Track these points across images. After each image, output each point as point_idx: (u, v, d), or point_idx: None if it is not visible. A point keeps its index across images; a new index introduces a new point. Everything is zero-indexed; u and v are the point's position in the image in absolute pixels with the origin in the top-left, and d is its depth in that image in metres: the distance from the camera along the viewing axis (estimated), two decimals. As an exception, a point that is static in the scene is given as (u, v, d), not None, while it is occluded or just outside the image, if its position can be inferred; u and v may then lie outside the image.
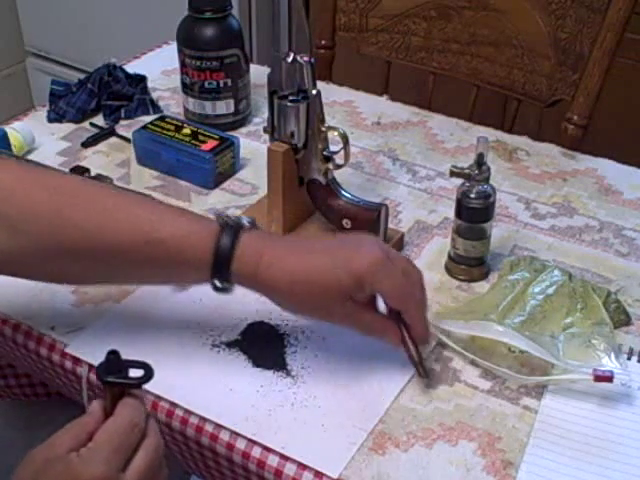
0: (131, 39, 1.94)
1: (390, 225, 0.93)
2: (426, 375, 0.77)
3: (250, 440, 0.73)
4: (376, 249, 0.73)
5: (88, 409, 0.62)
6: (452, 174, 0.87)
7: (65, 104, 1.18)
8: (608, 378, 0.74)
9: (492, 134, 1.15)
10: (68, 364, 0.81)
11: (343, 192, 0.92)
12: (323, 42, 1.41)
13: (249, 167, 1.09)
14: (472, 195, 0.87)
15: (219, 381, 0.78)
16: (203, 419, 0.75)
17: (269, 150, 0.90)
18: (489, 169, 0.87)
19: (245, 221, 0.75)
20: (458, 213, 0.89)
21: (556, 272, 0.86)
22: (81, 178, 0.89)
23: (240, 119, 1.17)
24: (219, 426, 0.74)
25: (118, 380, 0.61)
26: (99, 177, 0.92)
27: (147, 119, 1.13)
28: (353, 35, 1.40)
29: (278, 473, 0.71)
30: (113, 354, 0.61)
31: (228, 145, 1.05)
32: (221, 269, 0.73)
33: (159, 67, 1.32)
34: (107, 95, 1.19)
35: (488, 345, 0.79)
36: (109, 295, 0.88)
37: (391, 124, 1.19)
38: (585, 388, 0.76)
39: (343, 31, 1.41)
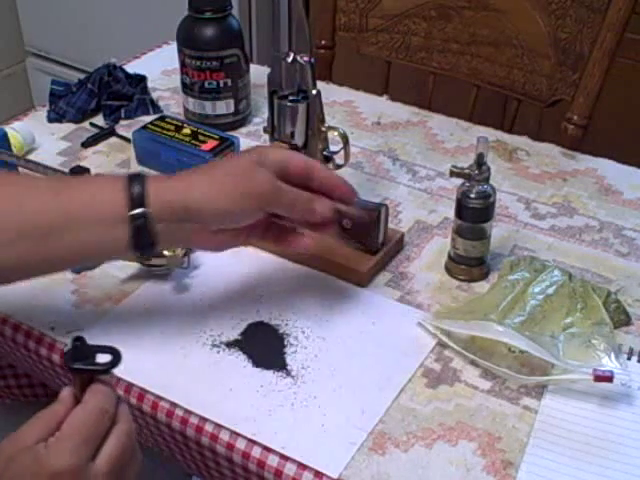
0: (131, 39, 1.94)
1: (390, 225, 0.93)
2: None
3: (250, 440, 0.73)
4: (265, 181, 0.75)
5: (59, 397, 0.61)
6: (452, 174, 0.87)
7: (65, 104, 1.18)
8: (608, 378, 0.74)
9: (492, 134, 1.15)
10: (68, 364, 0.81)
11: (343, 192, 0.92)
12: (323, 42, 1.41)
13: (249, 167, 1.09)
14: (472, 195, 0.87)
15: (219, 381, 0.78)
16: (203, 419, 0.75)
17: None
18: (489, 169, 0.87)
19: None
20: (458, 213, 0.89)
21: (556, 272, 0.86)
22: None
23: (240, 119, 1.17)
24: (219, 426, 0.74)
25: (85, 367, 0.60)
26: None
27: (147, 119, 1.12)
28: (353, 35, 1.40)
29: (278, 473, 0.71)
30: (79, 340, 0.60)
31: (228, 145, 1.05)
32: (139, 208, 0.72)
33: (159, 67, 1.32)
34: (107, 95, 1.19)
35: (488, 345, 0.79)
36: (109, 295, 0.88)
37: (391, 124, 1.19)
38: (585, 388, 0.76)
39: (343, 31, 1.41)
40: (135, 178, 0.73)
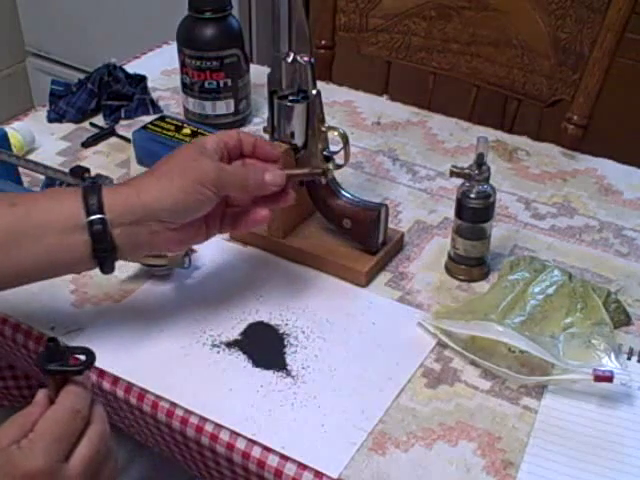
0: (131, 39, 1.94)
1: (390, 225, 0.93)
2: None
3: (250, 440, 0.73)
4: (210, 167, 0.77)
5: (34, 399, 0.61)
6: (452, 174, 0.87)
7: (65, 104, 1.18)
8: (608, 378, 0.74)
9: (492, 134, 1.15)
10: (68, 364, 0.81)
11: (343, 192, 0.92)
12: (323, 42, 1.41)
13: (249, 167, 1.09)
14: (472, 195, 0.87)
15: (219, 381, 0.78)
16: (203, 419, 0.75)
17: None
18: (489, 169, 0.87)
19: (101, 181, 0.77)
20: (458, 213, 0.89)
21: (556, 272, 0.86)
22: None
23: (240, 119, 1.17)
24: (219, 426, 0.74)
25: (58, 368, 0.60)
26: (99, 177, 0.92)
27: (147, 119, 1.12)
28: (353, 35, 1.40)
29: (278, 473, 0.71)
30: (52, 341, 0.60)
31: (228, 145, 1.05)
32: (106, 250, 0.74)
33: (159, 67, 1.32)
34: (107, 95, 1.19)
35: (488, 345, 0.79)
36: (109, 295, 0.88)
37: (391, 124, 1.19)
38: (585, 388, 0.76)
39: (343, 31, 1.41)
40: (90, 188, 0.75)
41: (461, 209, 0.88)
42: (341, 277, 0.90)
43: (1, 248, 0.73)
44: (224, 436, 0.74)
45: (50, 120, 1.18)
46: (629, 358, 0.80)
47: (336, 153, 0.90)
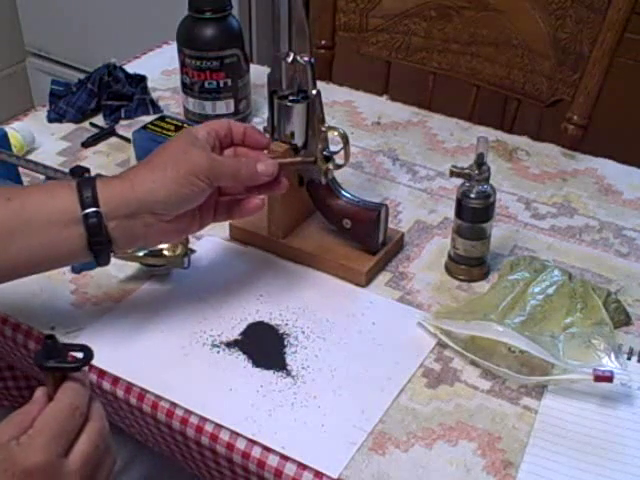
0: (131, 39, 1.94)
1: (390, 225, 0.93)
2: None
3: (250, 440, 0.73)
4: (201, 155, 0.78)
5: (32, 397, 0.61)
6: (452, 174, 0.87)
7: (65, 104, 1.18)
8: (608, 378, 0.74)
9: (492, 134, 1.15)
10: (68, 364, 0.81)
11: (343, 192, 0.92)
12: (323, 42, 1.41)
13: (249, 167, 1.09)
14: (472, 195, 0.87)
15: (219, 381, 0.78)
16: (203, 419, 0.75)
17: (269, 150, 0.90)
18: (489, 169, 0.87)
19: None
20: (458, 213, 0.89)
21: (556, 272, 0.86)
22: None
23: (240, 119, 1.16)
24: (219, 426, 0.74)
25: (56, 365, 0.60)
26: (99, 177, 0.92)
27: (147, 119, 1.12)
28: (353, 35, 1.40)
29: (278, 473, 0.71)
30: (50, 339, 0.60)
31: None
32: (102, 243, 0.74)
33: (159, 67, 1.32)
34: (107, 95, 1.19)
35: (488, 345, 0.79)
36: (109, 295, 0.88)
37: (391, 124, 1.19)
38: (585, 388, 0.76)
39: (343, 31, 1.40)
40: (84, 182, 0.75)
41: (461, 209, 0.88)
42: (341, 277, 0.90)
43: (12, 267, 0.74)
44: (224, 436, 0.74)
45: (50, 120, 1.18)
46: (629, 358, 0.80)
47: (336, 153, 0.90)
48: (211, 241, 0.96)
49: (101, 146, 1.13)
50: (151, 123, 1.08)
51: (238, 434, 0.73)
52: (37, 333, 0.83)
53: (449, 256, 0.92)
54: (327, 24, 1.40)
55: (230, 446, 0.73)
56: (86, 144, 1.13)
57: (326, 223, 0.93)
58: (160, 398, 0.77)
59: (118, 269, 0.91)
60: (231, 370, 0.79)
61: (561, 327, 0.81)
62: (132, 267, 0.90)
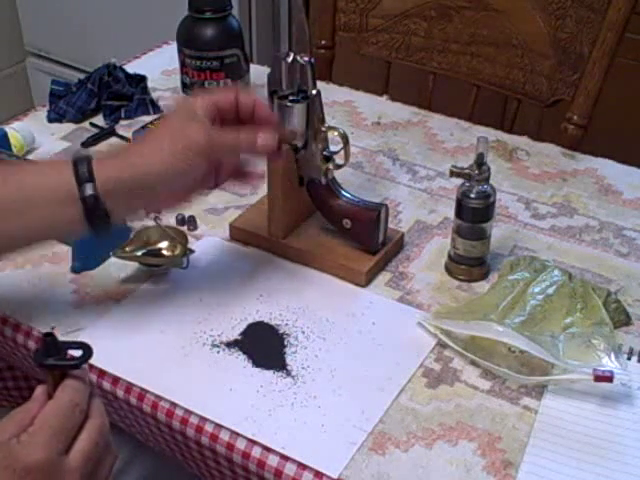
0: (131, 39, 1.94)
1: (390, 225, 0.93)
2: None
3: (250, 440, 0.73)
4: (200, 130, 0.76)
5: (32, 395, 0.61)
6: (452, 174, 0.87)
7: (65, 104, 1.18)
8: (608, 378, 0.74)
9: (492, 134, 1.15)
10: (68, 364, 0.81)
11: (343, 192, 0.92)
12: (323, 42, 1.41)
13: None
14: (472, 195, 0.87)
15: (219, 381, 0.78)
16: (203, 419, 0.75)
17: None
18: (489, 169, 0.87)
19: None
20: (458, 213, 0.89)
21: (556, 272, 0.86)
22: None
23: (240, 119, 1.16)
24: (219, 426, 0.74)
25: (56, 363, 0.60)
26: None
27: (147, 119, 1.13)
28: (353, 35, 1.40)
29: (278, 473, 0.71)
30: (49, 336, 0.60)
31: (228, 145, 1.05)
32: (100, 215, 0.74)
33: (159, 67, 1.32)
34: (107, 95, 1.19)
35: (488, 345, 0.79)
36: (109, 295, 0.88)
37: (391, 124, 1.19)
38: (585, 388, 0.76)
39: (343, 31, 1.40)
40: (80, 159, 0.75)
41: (461, 209, 0.88)
42: (341, 277, 0.90)
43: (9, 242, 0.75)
44: (224, 436, 0.74)
45: (50, 120, 1.18)
46: (629, 358, 0.80)
47: (336, 153, 0.90)
48: (211, 241, 0.96)
49: (101, 146, 1.13)
50: (151, 123, 1.09)
51: (238, 434, 0.73)
52: (37, 333, 0.83)
53: (449, 256, 0.92)
54: (327, 24, 1.40)
55: (230, 446, 0.73)
56: (86, 144, 1.13)
57: (326, 223, 0.93)
58: (160, 398, 0.77)
59: (118, 269, 0.91)
60: (231, 370, 0.79)
61: (561, 327, 0.81)
62: (132, 267, 0.90)
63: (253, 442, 0.73)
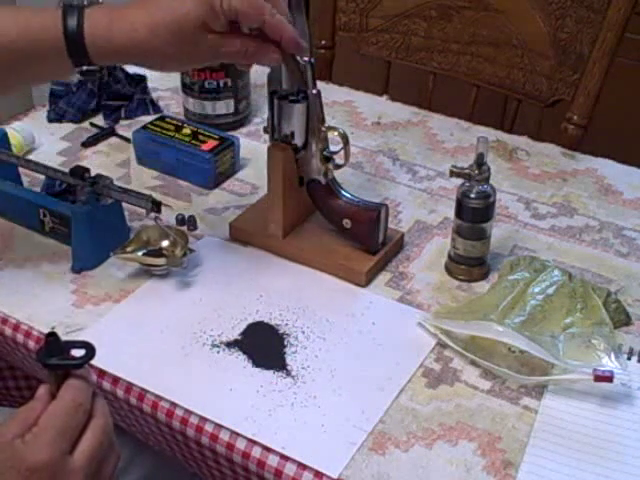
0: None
1: (390, 225, 0.93)
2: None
3: (250, 440, 0.73)
4: None
5: (35, 395, 0.61)
6: (452, 174, 0.87)
7: (65, 104, 1.18)
8: (608, 378, 0.74)
9: (492, 134, 1.15)
10: (68, 364, 0.81)
11: (343, 192, 0.92)
12: (323, 42, 1.41)
13: (249, 167, 1.09)
14: (472, 195, 0.87)
15: (219, 381, 0.78)
16: (203, 419, 0.75)
17: (269, 150, 0.90)
18: (489, 169, 0.87)
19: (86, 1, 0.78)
20: (458, 213, 0.89)
21: (556, 272, 0.86)
22: None
23: (240, 119, 1.17)
24: (219, 426, 0.74)
25: (59, 362, 0.60)
26: (99, 177, 0.92)
27: (147, 119, 1.13)
28: (353, 35, 1.40)
29: (278, 473, 0.71)
30: (52, 336, 0.60)
31: (228, 145, 1.05)
32: (78, 50, 0.74)
33: (159, 67, 1.31)
34: (107, 95, 1.19)
35: (488, 345, 0.79)
36: (109, 295, 0.88)
37: (391, 124, 1.19)
38: (585, 388, 0.76)
39: (343, 31, 1.40)
40: (70, 9, 0.75)
41: (461, 209, 0.88)
42: (341, 277, 0.90)
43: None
44: (224, 436, 0.74)
45: (50, 120, 1.18)
46: (629, 358, 0.80)
47: (336, 153, 0.90)
48: (211, 241, 0.96)
49: (101, 146, 1.13)
50: (151, 123, 1.09)
51: (238, 434, 0.73)
52: (37, 333, 0.83)
53: (449, 256, 0.92)
54: (327, 24, 1.40)
55: (230, 446, 0.73)
56: (86, 144, 1.13)
57: (326, 223, 0.93)
58: (160, 398, 0.77)
59: (118, 269, 0.91)
60: (231, 370, 0.79)
61: (561, 327, 0.81)
62: (132, 267, 0.90)
63: (253, 442, 0.73)
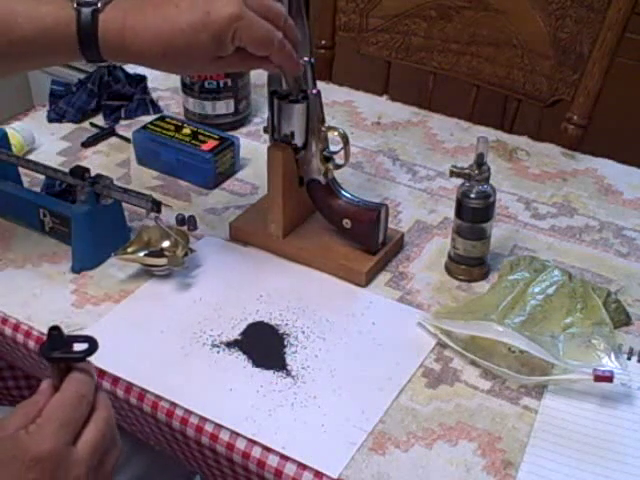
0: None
1: (390, 225, 0.93)
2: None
3: (250, 440, 0.73)
4: (231, 2, 0.75)
5: (38, 389, 0.62)
6: (452, 174, 0.87)
7: (65, 104, 1.18)
8: (608, 378, 0.74)
9: (492, 134, 1.15)
10: (68, 364, 0.81)
11: (343, 192, 0.92)
12: (323, 42, 1.41)
13: (249, 167, 1.09)
14: (472, 195, 0.87)
15: (219, 381, 0.78)
16: (203, 419, 0.75)
17: (269, 150, 0.90)
18: (489, 169, 0.87)
19: None
20: (458, 213, 0.89)
21: (556, 272, 0.86)
22: None
23: (240, 119, 1.17)
24: (219, 426, 0.74)
25: (62, 355, 0.61)
26: (99, 177, 0.93)
27: (147, 119, 1.13)
28: (353, 35, 1.40)
29: (278, 473, 0.71)
30: (55, 330, 0.61)
31: (228, 145, 1.05)
32: (90, 48, 0.76)
33: (159, 67, 1.31)
34: (107, 95, 1.19)
35: (488, 345, 0.79)
36: (109, 295, 0.88)
37: (391, 124, 1.19)
38: (585, 388, 0.76)
39: (343, 31, 1.41)
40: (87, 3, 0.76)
41: (461, 209, 0.88)
42: (341, 277, 0.90)
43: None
44: (224, 436, 0.74)
45: (50, 120, 1.18)
46: (629, 358, 0.81)
47: (336, 153, 0.90)
48: (211, 241, 0.96)
49: (101, 146, 1.13)
50: (151, 123, 1.09)
51: (238, 434, 0.73)
52: (37, 333, 0.83)
53: (449, 256, 0.92)
54: (327, 24, 1.40)
55: (230, 446, 0.73)
56: (86, 144, 1.13)
57: (326, 223, 0.93)
58: (160, 398, 0.77)
59: (118, 269, 0.91)
60: (231, 370, 0.79)
61: (561, 327, 0.81)
62: (132, 267, 0.90)
63: (253, 442, 0.73)
